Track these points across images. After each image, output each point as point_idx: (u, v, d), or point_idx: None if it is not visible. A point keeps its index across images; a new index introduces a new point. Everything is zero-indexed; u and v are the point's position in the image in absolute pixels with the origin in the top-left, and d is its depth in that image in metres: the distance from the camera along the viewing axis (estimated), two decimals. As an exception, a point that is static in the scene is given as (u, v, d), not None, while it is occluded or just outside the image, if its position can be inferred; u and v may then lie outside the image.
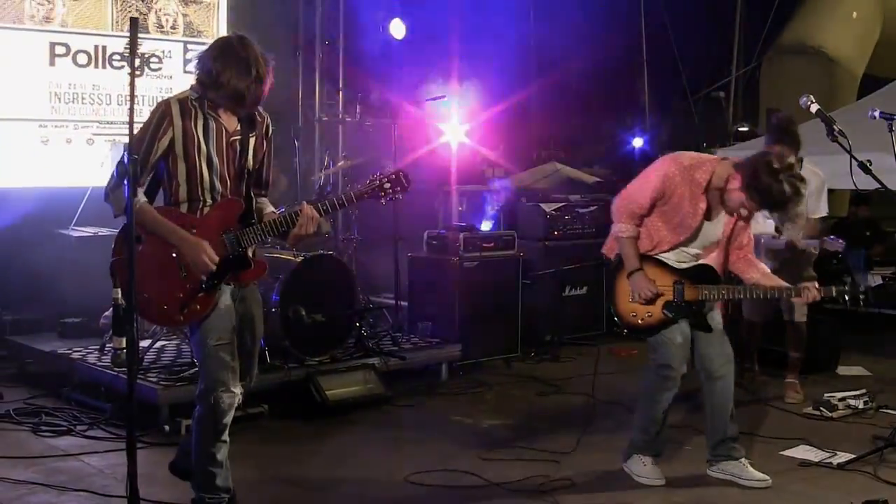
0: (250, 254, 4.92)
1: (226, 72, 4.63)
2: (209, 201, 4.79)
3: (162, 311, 4.78)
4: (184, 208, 4.78)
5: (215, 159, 4.77)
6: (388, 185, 5.03)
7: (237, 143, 4.84)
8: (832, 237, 7.52)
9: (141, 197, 4.63)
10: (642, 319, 5.82)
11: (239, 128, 4.86)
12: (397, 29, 11.46)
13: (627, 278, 5.77)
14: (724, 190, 5.59)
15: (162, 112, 4.70)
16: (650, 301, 5.74)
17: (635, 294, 5.76)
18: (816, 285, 5.79)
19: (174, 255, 4.70)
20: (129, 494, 4.13)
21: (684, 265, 5.80)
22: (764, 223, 7.69)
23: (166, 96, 4.95)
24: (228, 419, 4.89)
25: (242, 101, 4.72)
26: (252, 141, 4.90)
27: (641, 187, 5.75)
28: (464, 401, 7.45)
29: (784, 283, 5.83)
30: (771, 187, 5.38)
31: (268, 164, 5.06)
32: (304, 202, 4.92)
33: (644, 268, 5.76)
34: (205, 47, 4.88)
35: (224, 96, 4.70)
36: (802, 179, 5.48)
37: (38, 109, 8.93)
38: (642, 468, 6.02)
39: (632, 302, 5.80)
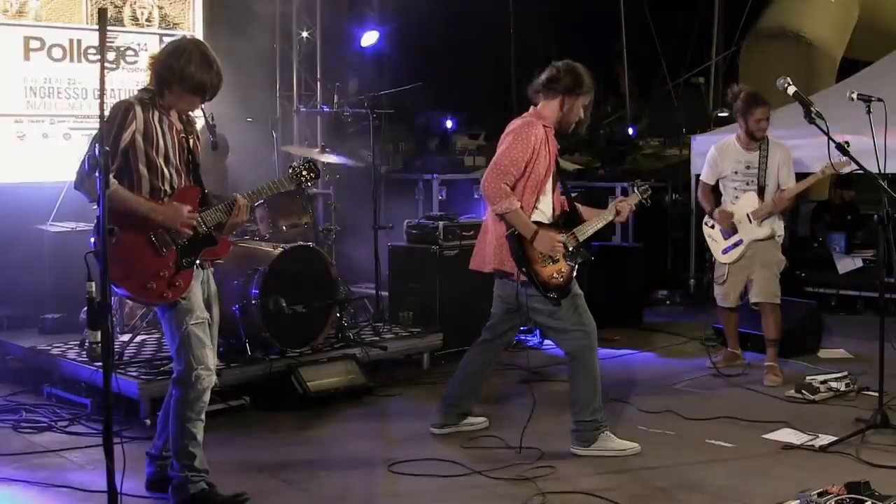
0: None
1: (190, 65, 4.96)
2: (169, 191, 5.07)
3: (151, 289, 5.01)
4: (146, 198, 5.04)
5: (170, 152, 5.06)
6: (305, 174, 5.56)
7: (184, 140, 5.15)
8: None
9: (112, 181, 4.79)
10: (561, 277, 6.06)
11: (182, 127, 5.16)
12: (370, 39, 11.42)
13: (531, 244, 5.97)
14: (562, 110, 6.12)
15: (126, 106, 5.00)
16: (558, 258, 6.03)
17: (546, 255, 6.00)
18: (622, 197, 6.44)
19: (151, 235, 4.99)
20: (108, 490, 4.09)
21: (548, 220, 6.14)
22: (747, 198, 7.82)
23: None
24: (207, 398, 5.17)
25: (205, 92, 5.07)
26: (191, 140, 5.21)
27: (512, 158, 5.99)
28: (445, 390, 7.42)
29: (602, 210, 6.36)
30: (575, 67, 6.10)
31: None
32: (237, 194, 5.25)
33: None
34: (159, 50, 5.30)
35: (188, 88, 5.02)
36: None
37: (14, 104, 8.86)
38: (615, 441, 6.11)
39: (545, 266, 6.02)
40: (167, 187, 5.04)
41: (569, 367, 6.22)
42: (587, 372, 6.11)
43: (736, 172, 8.00)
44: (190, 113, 5.24)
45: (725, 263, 8.12)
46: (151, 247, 4.99)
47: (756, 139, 7.92)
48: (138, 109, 4.95)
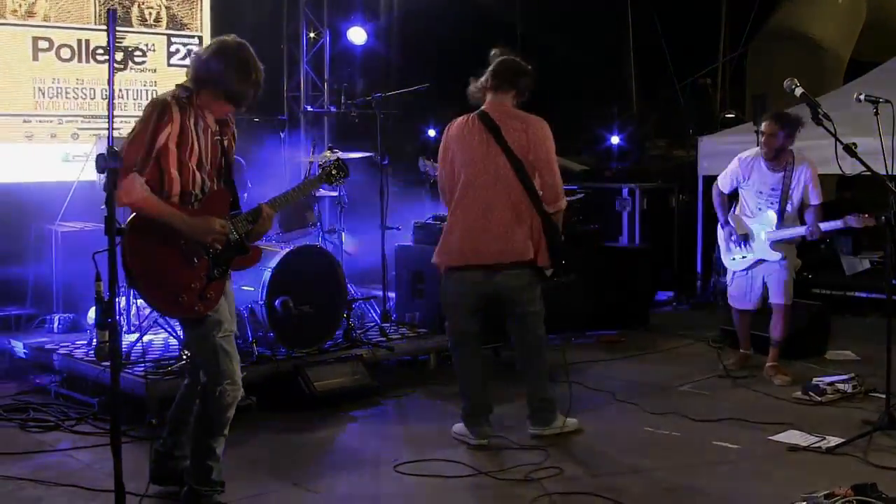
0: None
1: (227, 72, 4.79)
2: (199, 195, 4.89)
3: (182, 302, 4.81)
4: (175, 202, 4.83)
5: (203, 156, 4.88)
6: (334, 173, 5.52)
7: (218, 142, 4.97)
8: (851, 216, 7.43)
9: (145, 187, 4.66)
10: None
11: (217, 128, 4.97)
12: (357, 36, 11.39)
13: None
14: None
15: (163, 106, 4.75)
16: None
17: None
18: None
19: (182, 243, 4.77)
20: (115, 488, 4.11)
21: None
22: (766, 217, 7.74)
23: (150, 90, 5.07)
24: (231, 413, 4.97)
25: (240, 101, 4.90)
26: (226, 141, 5.03)
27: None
28: (452, 391, 7.43)
29: None
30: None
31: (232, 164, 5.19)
32: (262, 203, 5.08)
33: None
34: (202, 46, 5.10)
35: (222, 95, 4.85)
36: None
37: (23, 104, 8.90)
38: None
39: None
40: (198, 191, 4.86)
41: (533, 350, 6.54)
42: (546, 351, 6.52)
43: (760, 192, 7.83)
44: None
45: (731, 269, 8.09)
46: (182, 257, 4.78)
47: (768, 158, 7.70)
48: (175, 111, 4.73)
